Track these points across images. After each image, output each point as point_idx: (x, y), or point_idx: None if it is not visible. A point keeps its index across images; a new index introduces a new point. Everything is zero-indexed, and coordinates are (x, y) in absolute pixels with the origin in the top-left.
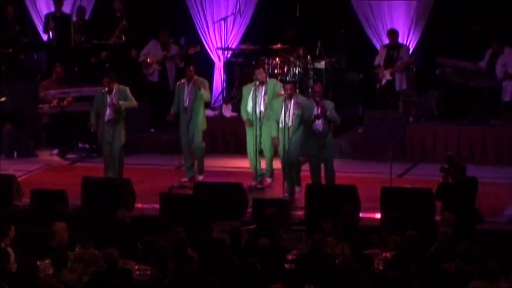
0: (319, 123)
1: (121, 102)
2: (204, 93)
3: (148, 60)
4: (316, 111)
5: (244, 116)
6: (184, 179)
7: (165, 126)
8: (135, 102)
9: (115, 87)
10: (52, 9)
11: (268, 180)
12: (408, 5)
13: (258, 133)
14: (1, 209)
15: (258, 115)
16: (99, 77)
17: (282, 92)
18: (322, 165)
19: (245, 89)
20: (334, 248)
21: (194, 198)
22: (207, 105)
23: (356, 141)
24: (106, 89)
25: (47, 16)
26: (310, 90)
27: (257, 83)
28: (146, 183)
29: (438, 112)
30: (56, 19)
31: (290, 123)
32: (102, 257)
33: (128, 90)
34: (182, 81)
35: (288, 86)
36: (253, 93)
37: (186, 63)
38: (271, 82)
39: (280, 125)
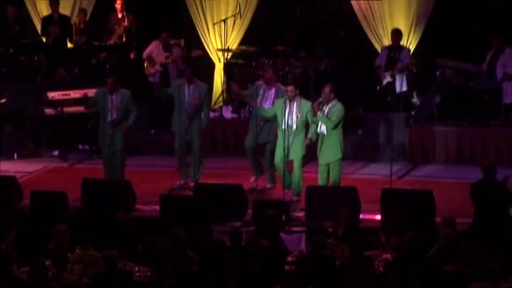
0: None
1: (129, 123)
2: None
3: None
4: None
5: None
6: (180, 182)
7: (166, 127)
8: (135, 112)
9: (117, 89)
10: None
11: (269, 185)
12: (408, 6)
13: (258, 131)
14: (2, 210)
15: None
16: (99, 78)
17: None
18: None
19: (257, 85)
20: (334, 250)
21: (194, 200)
22: None
23: (357, 143)
24: (108, 89)
25: (44, 19)
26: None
27: (267, 83)
28: (146, 184)
29: (439, 113)
30: (54, 22)
31: (292, 125)
32: (102, 259)
33: (131, 96)
34: (182, 81)
35: (290, 88)
36: (262, 91)
37: (186, 65)
38: (283, 89)
39: (282, 127)
